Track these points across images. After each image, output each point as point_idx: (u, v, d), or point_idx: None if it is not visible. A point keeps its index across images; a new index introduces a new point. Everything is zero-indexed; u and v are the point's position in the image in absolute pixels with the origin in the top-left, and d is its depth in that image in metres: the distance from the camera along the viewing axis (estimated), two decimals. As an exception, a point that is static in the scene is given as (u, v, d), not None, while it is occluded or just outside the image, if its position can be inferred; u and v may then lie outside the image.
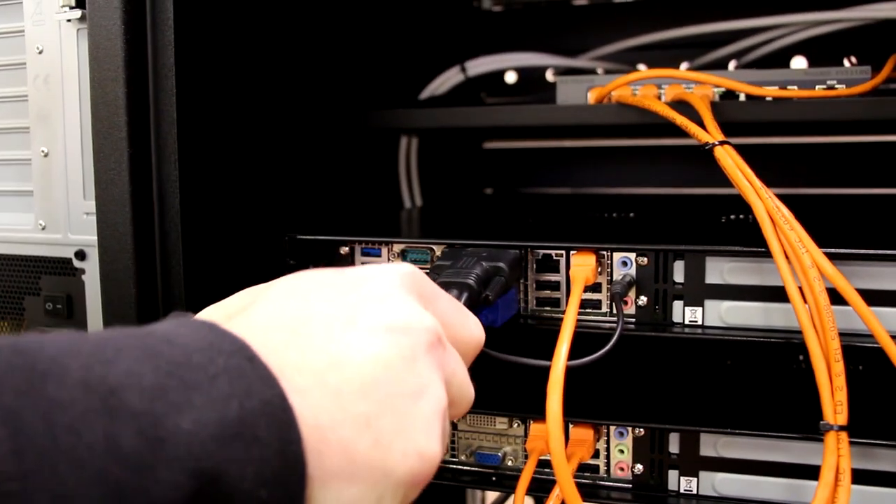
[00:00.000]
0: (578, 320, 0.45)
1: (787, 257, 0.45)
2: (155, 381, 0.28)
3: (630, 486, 0.52)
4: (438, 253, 0.53)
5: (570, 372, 0.42)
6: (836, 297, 0.44)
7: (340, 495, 0.32)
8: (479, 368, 0.41)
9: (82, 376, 0.27)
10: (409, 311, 0.35)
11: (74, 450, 0.25)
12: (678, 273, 0.50)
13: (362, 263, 0.55)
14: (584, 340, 0.45)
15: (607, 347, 0.45)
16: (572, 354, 0.43)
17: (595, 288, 0.51)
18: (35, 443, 0.25)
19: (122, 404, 0.27)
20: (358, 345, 0.33)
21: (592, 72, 0.86)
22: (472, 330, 0.40)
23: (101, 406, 0.26)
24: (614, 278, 0.50)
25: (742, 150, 0.50)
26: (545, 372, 0.42)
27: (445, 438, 0.36)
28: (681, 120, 0.54)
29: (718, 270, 0.49)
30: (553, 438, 0.41)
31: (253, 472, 0.29)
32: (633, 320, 0.50)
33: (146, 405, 0.27)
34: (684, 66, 0.85)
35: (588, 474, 0.52)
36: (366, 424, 0.32)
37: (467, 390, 0.38)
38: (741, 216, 0.64)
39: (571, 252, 0.50)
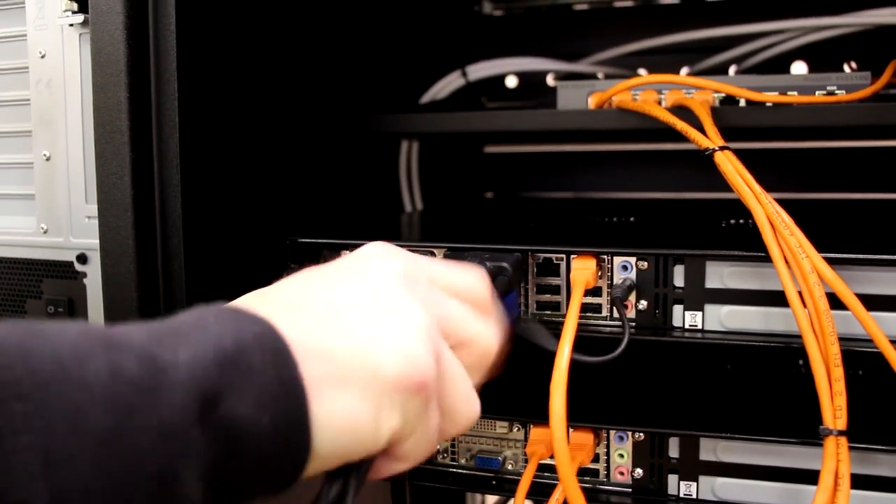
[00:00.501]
0: (579, 324, 0.46)
1: (786, 262, 0.45)
2: (149, 334, 0.30)
3: (630, 490, 0.52)
4: (440, 256, 0.53)
5: (570, 376, 0.42)
6: (835, 302, 0.44)
7: (335, 405, 0.33)
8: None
9: (79, 329, 0.29)
10: (384, 261, 0.39)
11: (82, 375, 0.27)
12: (678, 277, 0.50)
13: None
14: (585, 344, 0.45)
15: (619, 350, 0.46)
16: (574, 359, 0.43)
17: (595, 292, 0.51)
18: (44, 368, 0.27)
19: (122, 344, 0.29)
20: (330, 281, 0.37)
21: (593, 76, 0.86)
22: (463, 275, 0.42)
23: (102, 346, 0.28)
24: (615, 282, 0.50)
25: (742, 155, 0.51)
26: (546, 376, 0.42)
27: (450, 373, 0.38)
28: (681, 125, 0.54)
29: (718, 275, 0.49)
30: (556, 438, 0.41)
31: (253, 399, 0.30)
32: (634, 324, 0.50)
33: (144, 346, 0.30)
34: (685, 70, 0.85)
35: (588, 478, 0.52)
36: (342, 331, 0.34)
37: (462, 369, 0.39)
38: (741, 221, 0.64)
39: (572, 256, 0.50)
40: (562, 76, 0.90)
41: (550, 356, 0.43)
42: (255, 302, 0.35)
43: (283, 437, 0.31)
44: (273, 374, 0.31)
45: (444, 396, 0.37)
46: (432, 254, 0.53)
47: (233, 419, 0.30)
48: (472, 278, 0.42)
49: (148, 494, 0.28)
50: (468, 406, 0.39)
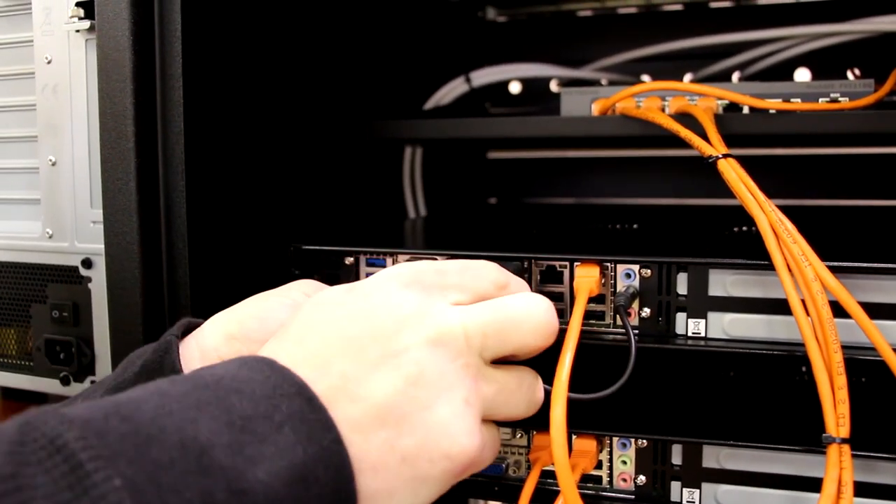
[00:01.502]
0: (582, 331, 0.46)
1: (789, 270, 0.45)
2: (232, 438, 0.32)
3: (633, 497, 0.52)
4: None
5: (572, 382, 0.42)
6: (838, 310, 0.44)
7: None
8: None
9: (178, 438, 0.31)
10: (408, 318, 0.39)
11: None
12: (681, 285, 0.50)
13: (367, 275, 0.55)
14: (588, 351, 0.45)
15: (625, 376, 0.45)
16: (578, 368, 0.44)
17: (599, 299, 0.51)
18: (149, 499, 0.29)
19: (211, 463, 0.31)
20: (366, 371, 0.37)
21: (597, 83, 0.86)
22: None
23: (196, 466, 0.31)
24: (618, 290, 0.50)
25: (745, 161, 0.51)
26: (549, 382, 0.42)
27: (502, 398, 0.41)
28: (684, 132, 0.54)
29: (721, 283, 0.49)
30: (556, 446, 0.41)
31: None
32: (637, 332, 0.50)
33: (230, 461, 0.32)
34: (688, 77, 0.86)
35: (591, 485, 0.52)
36: (390, 448, 0.36)
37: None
38: (744, 228, 0.64)
39: (575, 263, 0.51)
40: (565, 82, 0.90)
41: (554, 362, 0.43)
42: (310, 376, 0.36)
43: None
44: (332, 489, 0.34)
45: (508, 410, 0.42)
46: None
47: None
48: (477, 270, 0.43)
49: None
50: (532, 400, 0.43)
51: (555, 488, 0.52)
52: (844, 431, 0.43)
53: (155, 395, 0.33)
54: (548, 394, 0.43)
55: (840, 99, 0.60)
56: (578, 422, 0.50)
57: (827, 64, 0.82)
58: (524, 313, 0.41)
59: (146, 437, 0.31)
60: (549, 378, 0.43)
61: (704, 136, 0.54)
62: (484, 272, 0.43)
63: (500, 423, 0.43)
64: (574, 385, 0.42)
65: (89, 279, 0.59)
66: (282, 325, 0.41)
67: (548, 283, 0.52)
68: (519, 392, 0.42)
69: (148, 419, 0.31)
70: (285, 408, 0.34)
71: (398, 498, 0.37)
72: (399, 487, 0.37)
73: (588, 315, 0.51)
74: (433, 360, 0.38)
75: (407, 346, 0.38)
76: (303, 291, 0.49)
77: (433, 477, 0.37)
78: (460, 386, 0.38)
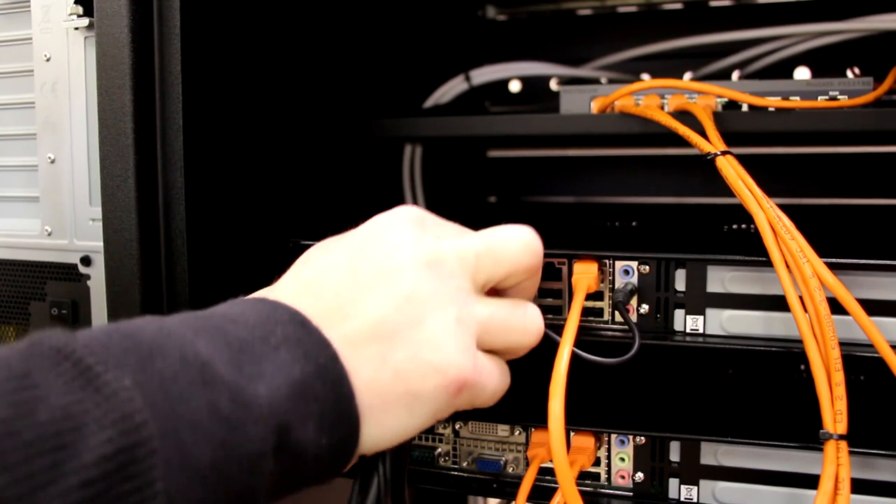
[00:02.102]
0: (580, 327, 0.46)
1: (787, 267, 0.45)
2: (231, 356, 0.33)
3: (631, 493, 0.52)
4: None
5: (571, 380, 0.42)
6: (836, 307, 0.44)
7: (383, 425, 0.38)
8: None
9: (179, 354, 0.32)
10: (403, 246, 0.40)
11: (187, 415, 0.30)
12: (680, 282, 0.50)
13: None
14: (586, 347, 0.45)
15: (632, 352, 0.46)
16: (575, 360, 0.44)
17: (597, 296, 0.51)
18: (158, 410, 0.30)
19: (214, 376, 0.32)
20: (360, 292, 0.38)
21: (596, 81, 0.86)
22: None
23: (199, 378, 0.32)
24: (616, 286, 0.50)
25: (744, 160, 0.51)
26: (547, 380, 0.42)
27: (495, 325, 0.41)
28: (683, 130, 0.54)
29: (720, 279, 0.49)
30: (554, 440, 0.41)
31: (315, 424, 0.35)
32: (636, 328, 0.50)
33: (231, 376, 0.33)
34: (688, 75, 0.86)
35: (589, 482, 0.52)
36: (382, 361, 0.37)
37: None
38: (743, 225, 0.64)
39: (574, 260, 0.51)
40: (565, 81, 0.91)
41: (552, 359, 0.43)
42: (304, 306, 0.38)
43: (337, 453, 0.37)
44: (333, 403, 0.35)
45: (502, 340, 0.42)
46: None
47: (299, 443, 0.34)
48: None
49: None
50: (528, 327, 0.43)
51: (553, 485, 0.52)
52: (842, 428, 0.43)
53: (152, 322, 0.34)
54: (554, 344, 0.44)
55: (839, 97, 0.60)
56: (576, 418, 0.50)
57: (826, 62, 0.82)
58: (512, 235, 0.43)
59: (148, 351, 0.31)
60: (547, 375, 0.43)
61: (703, 134, 0.54)
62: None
63: (509, 364, 0.44)
64: (572, 381, 0.42)
65: (88, 277, 0.59)
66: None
67: (546, 279, 0.52)
68: (514, 318, 0.42)
69: (149, 338, 0.32)
70: (280, 332, 0.35)
71: (393, 413, 0.38)
72: (393, 402, 0.37)
73: (586, 311, 0.51)
74: (426, 280, 0.39)
75: (401, 266, 0.39)
76: None
77: (426, 392, 0.38)
78: (452, 305, 0.39)
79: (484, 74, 0.85)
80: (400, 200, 0.86)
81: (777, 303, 0.48)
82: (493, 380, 0.42)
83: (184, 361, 0.32)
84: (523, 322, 0.43)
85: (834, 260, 0.45)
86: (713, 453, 0.50)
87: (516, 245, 0.43)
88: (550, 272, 0.51)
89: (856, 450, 0.44)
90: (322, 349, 0.36)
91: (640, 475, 0.51)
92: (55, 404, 0.28)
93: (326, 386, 0.35)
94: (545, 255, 0.51)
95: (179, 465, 0.29)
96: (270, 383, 0.33)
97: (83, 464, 0.27)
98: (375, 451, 0.39)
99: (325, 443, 0.35)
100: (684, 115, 0.58)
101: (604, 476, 0.52)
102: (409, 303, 0.38)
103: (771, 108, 0.60)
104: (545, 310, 0.52)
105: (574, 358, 0.44)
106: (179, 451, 0.30)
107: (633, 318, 0.51)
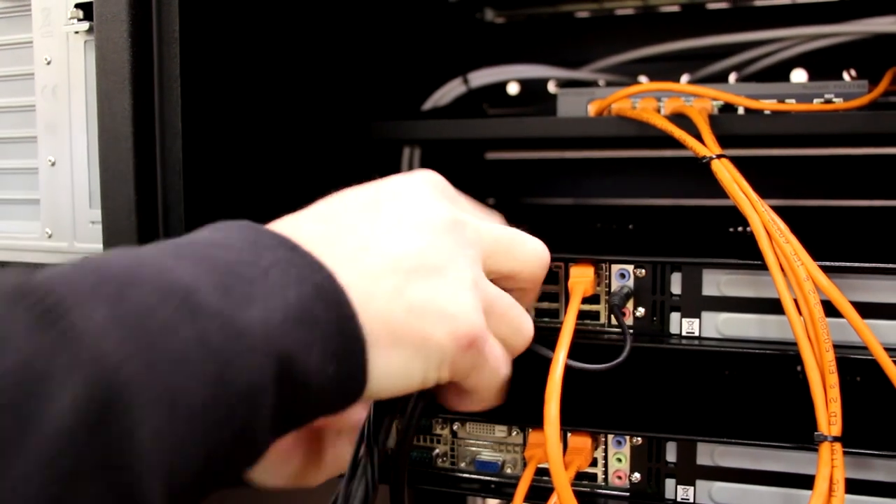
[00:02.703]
0: (577, 331, 0.46)
1: (782, 270, 0.46)
2: (218, 280, 0.30)
3: (627, 494, 0.52)
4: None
5: (568, 381, 0.43)
6: (830, 310, 0.44)
7: (390, 361, 0.36)
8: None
9: (155, 285, 0.29)
10: (427, 202, 0.40)
11: (171, 350, 0.28)
12: (675, 285, 0.50)
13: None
14: (582, 350, 0.46)
15: (622, 357, 0.46)
16: (567, 366, 0.44)
17: (593, 299, 0.51)
18: (137, 348, 0.27)
19: (199, 305, 0.29)
20: (382, 229, 0.38)
21: (594, 84, 0.86)
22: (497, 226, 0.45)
23: (181, 309, 0.29)
24: (612, 290, 0.51)
25: (739, 162, 0.51)
26: (544, 381, 0.43)
27: (499, 308, 0.41)
28: (679, 133, 0.55)
29: (715, 282, 0.50)
30: (550, 443, 0.41)
31: (319, 351, 0.32)
32: (632, 331, 0.51)
33: (219, 303, 0.30)
34: (685, 78, 0.86)
35: (586, 482, 0.53)
36: (398, 294, 0.36)
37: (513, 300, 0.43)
38: (738, 228, 0.64)
39: (570, 264, 0.51)
40: (563, 83, 0.91)
41: (548, 362, 0.43)
42: (303, 232, 0.36)
43: (343, 384, 0.34)
44: (336, 328, 0.33)
45: (499, 327, 0.41)
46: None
47: (304, 372, 0.32)
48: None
49: (227, 452, 0.29)
50: (523, 327, 0.43)
51: (550, 486, 0.52)
52: (836, 430, 0.43)
53: (125, 252, 0.31)
54: (543, 358, 0.44)
55: (834, 100, 0.60)
56: (574, 419, 0.50)
57: (823, 65, 0.82)
58: (529, 239, 0.44)
59: (121, 283, 0.28)
60: (543, 378, 0.43)
61: (699, 137, 0.54)
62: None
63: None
64: (569, 383, 0.43)
65: (88, 279, 0.59)
66: None
67: (543, 282, 0.52)
68: (513, 312, 0.43)
69: (121, 269, 0.29)
70: (269, 255, 0.33)
71: (402, 350, 0.36)
72: (402, 338, 0.36)
73: (582, 315, 0.51)
74: (448, 238, 0.39)
75: (427, 218, 0.39)
76: None
77: (437, 337, 0.37)
78: (469, 269, 0.39)
79: (482, 77, 0.85)
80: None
81: (772, 306, 0.48)
82: (495, 354, 0.41)
83: (163, 291, 0.28)
84: (520, 321, 0.43)
85: (828, 263, 0.46)
86: (709, 454, 0.50)
87: (531, 249, 0.44)
88: (547, 275, 0.52)
89: (850, 451, 0.44)
90: (316, 270, 0.33)
91: (636, 475, 0.52)
92: (13, 354, 0.24)
93: (328, 308, 0.33)
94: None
95: (168, 406, 0.27)
96: (264, 307, 0.30)
97: (51, 420, 0.24)
98: (380, 395, 0.37)
99: (331, 371, 0.33)
100: (680, 118, 0.58)
101: (601, 476, 0.52)
102: (431, 249, 0.38)
103: (766, 111, 0.60)
104: (542, 313, 0.52)
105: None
106: (165, 391, 0.27)
107: (630, 321, 0.51)
